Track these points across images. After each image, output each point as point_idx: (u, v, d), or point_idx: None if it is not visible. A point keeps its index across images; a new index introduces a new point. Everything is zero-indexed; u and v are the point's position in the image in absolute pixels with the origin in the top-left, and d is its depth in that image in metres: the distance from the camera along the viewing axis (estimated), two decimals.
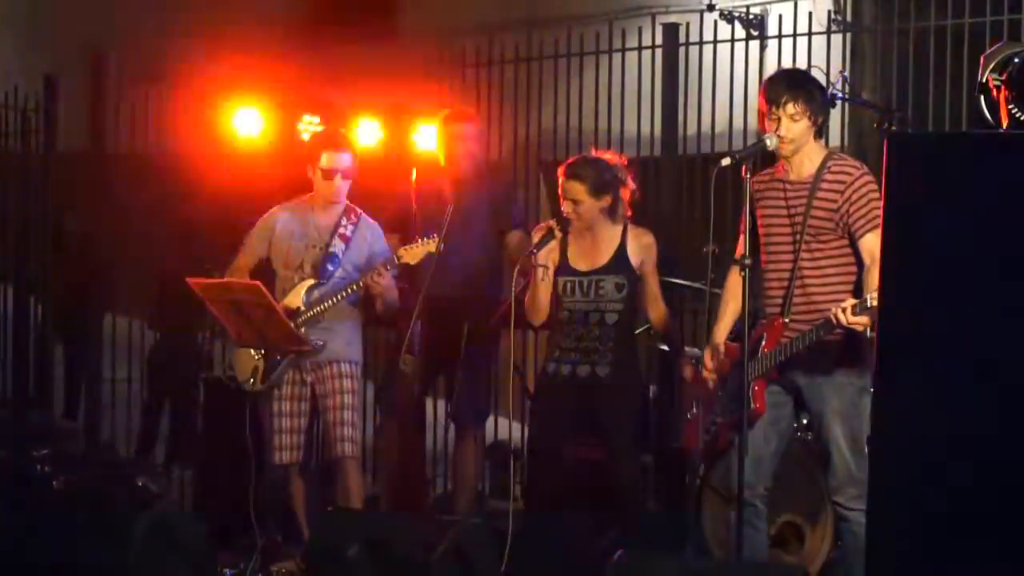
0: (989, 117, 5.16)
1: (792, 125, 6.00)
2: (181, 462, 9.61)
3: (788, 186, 6.11)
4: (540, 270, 6.89)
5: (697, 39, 8.56)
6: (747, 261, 5.99)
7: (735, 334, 6.26)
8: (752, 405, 5.99)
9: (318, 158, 7.40)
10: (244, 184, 8.37)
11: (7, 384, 10.98)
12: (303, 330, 7.26)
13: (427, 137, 8.06)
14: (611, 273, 6.93)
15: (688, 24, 8.62)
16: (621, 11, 9.36)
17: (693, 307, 8.15)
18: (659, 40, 8.69)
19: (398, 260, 7.22)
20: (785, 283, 6.08)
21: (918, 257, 4.54)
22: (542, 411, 7.11)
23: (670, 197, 8.56)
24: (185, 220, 10.15)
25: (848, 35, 8.56)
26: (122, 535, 6.66)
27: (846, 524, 6.06)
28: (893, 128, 6.89)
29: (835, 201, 6.00)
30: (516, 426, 7.96)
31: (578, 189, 6.87)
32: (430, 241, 7.16)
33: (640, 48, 8.77)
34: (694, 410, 6.35)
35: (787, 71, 6.71)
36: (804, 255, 6.04)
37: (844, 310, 5.80)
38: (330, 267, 7.36)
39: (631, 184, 6.99)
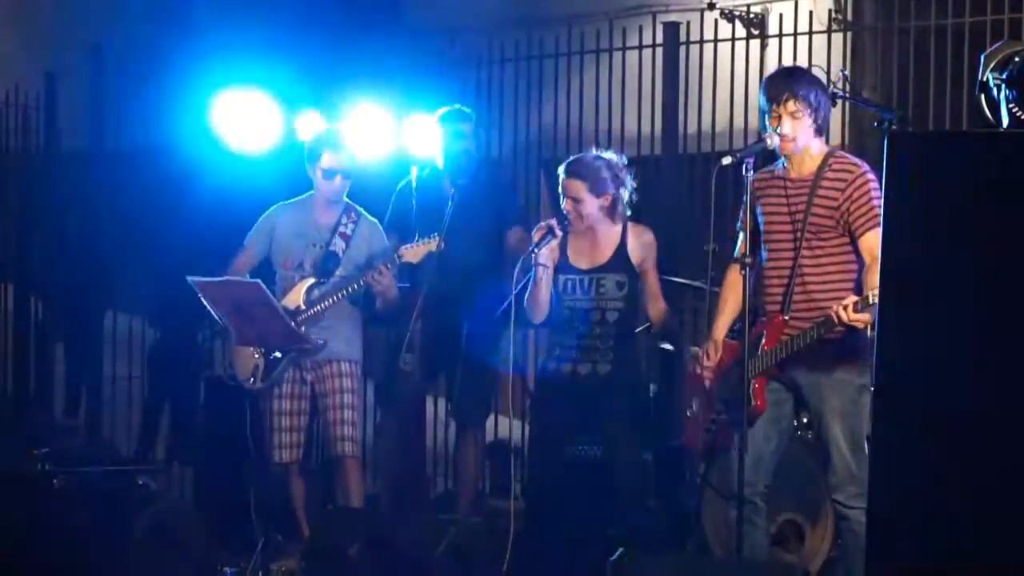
0: (989, 116, 5.15)
1: (793, 122, 6.00)
2: (181, 460, 9.61)
3: (789, 184, 6.10)
4: (540, 268, 6.89)
5: (698, 38, 8.56)
6: (747, 260, 6.00)
7: (735, 332, 6.26)
8: (752, 403, 5.99)
9: (318, 157, 7.41)
10: (244, 183, 8.37)
11: (7, 383, 10.98)
12: (303, 329, 7.26)
13: (427, 136, 8.06)
14: (612, 271, 6.92)
15: (689, 23, 8.62)
16: (622, 10, 9.33)
17: (694, 306, 8.15)
18: (660, 39, 8.69)
19: (399, 259, 7.22)
20: (785, 281, 6.07)
21: (918, 256, 4.53)
22: (543, 410, 7.11)
23: (671, 196, 8.56)
24: (185, 219, 10.14)
25: (848, 34, 8.55)
26: (122, 533, 6.66)
27: (846, 523, 6.04)
28: (893, 127, 6.88)
29: (836, 199, 5.99)
30: (516, 425, 7.95)
31: (579, 187, 6.87)
32: (430, 240, 7.16)
33: (641, 47, 8.78)
34: (693, 408, 6.35)
35: (788, 68, 6.72)
36: (805, 253, 6.03)
37: (844, 308, 5.79)
38: (330, 266, 7.37)
39: (631, 183, 6.99)
